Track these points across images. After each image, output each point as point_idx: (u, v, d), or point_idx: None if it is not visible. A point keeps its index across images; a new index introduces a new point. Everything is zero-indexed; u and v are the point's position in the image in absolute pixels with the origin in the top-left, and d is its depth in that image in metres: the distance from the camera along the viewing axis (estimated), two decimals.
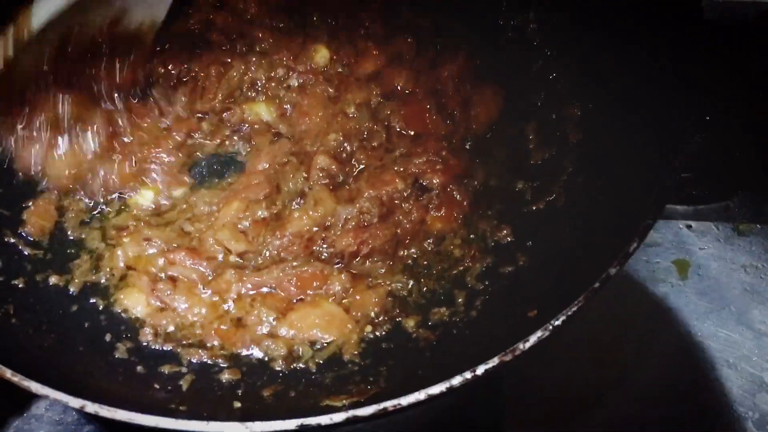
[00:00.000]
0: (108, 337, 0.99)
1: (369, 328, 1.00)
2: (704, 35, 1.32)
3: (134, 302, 1.02)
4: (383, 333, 1.00)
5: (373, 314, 1.00)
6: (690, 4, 0.95)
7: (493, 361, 0.76)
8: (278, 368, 0.97)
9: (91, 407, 0.74)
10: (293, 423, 0.74)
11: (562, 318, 0.78)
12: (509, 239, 1.07)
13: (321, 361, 0.97)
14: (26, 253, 1.05)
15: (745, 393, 1.20)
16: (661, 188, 0.88)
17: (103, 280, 1.04)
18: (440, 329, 0.99)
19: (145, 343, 0.99)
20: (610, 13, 1.09)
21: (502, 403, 1.17)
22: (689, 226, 1.33)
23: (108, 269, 1.05)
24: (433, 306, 1.01)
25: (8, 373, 0.75)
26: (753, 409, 1.19)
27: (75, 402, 0.74)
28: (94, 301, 1.03)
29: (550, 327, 0.78)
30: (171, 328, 1.00)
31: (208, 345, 0.98)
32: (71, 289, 1.03)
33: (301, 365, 0.97)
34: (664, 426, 1.18)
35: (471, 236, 1.07)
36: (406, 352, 0.97)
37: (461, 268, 1.05)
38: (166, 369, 0.94)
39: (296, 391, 0.92)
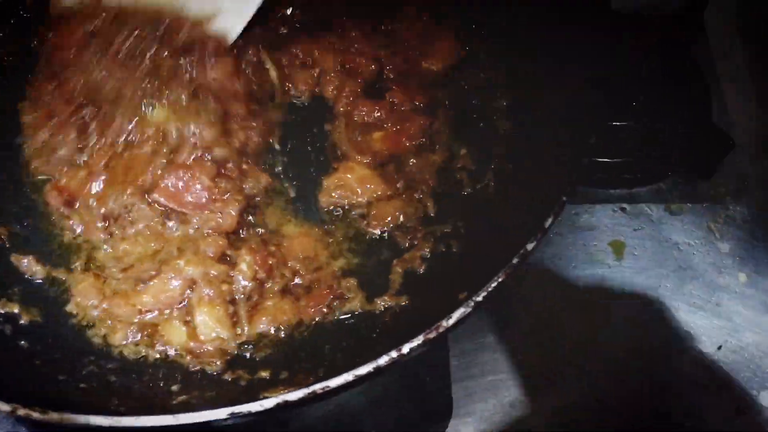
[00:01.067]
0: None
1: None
2: (624, 23, 1.38)
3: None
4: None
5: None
6: None
7: (418, 339, 0.79)
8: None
9: (22, 411, 0.74)
10: (224, 412, 0.75)
11: (483, 294, 0.81)
12: (446, 230, 1.09)
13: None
14: None
15: (684, 364, 1.24)
16: (574, 168, 0.91)
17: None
18: (378, 317, 1.01)
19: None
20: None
21: (449, 390, 1.20)
22: (623, 209, 1.37)
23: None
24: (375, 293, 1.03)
25: None
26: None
27: (4, 407, 0.74)
28: None
29: (472, 303, 0.80)
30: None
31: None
32: None
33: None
34: (618, 399, 1.22)
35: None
36: (344, 341, 0.99)
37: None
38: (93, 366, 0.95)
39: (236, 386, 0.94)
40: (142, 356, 0.98)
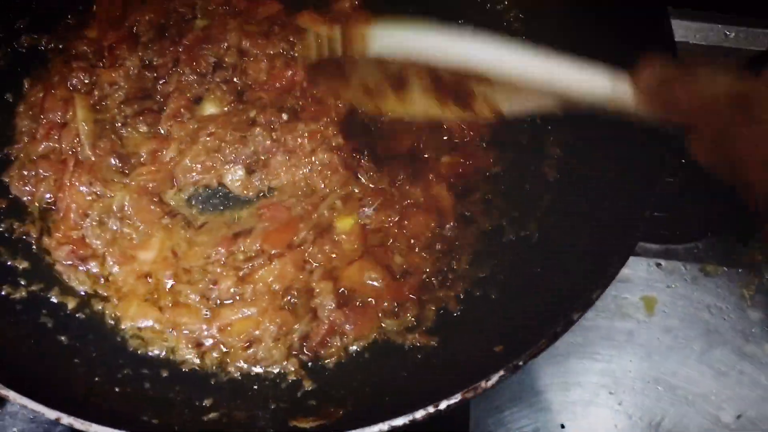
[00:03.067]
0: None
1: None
2: None
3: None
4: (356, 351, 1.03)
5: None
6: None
7: (456, 398, 0.80)
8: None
9: (66, 420, 0.76)
10: None
11: (524, 358, 0.82)
12: (483, 275, 1.10)
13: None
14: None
15: (702, 430, 1.25)
16: (630, 236, 0.92)
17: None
18: (408, 354, 1.02)
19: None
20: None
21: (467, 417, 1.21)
22: (659, 264, 1.37)
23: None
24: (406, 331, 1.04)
25: None
26: None
27: (51, 414, 0.76)
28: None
29: (512, 366, 0.81)
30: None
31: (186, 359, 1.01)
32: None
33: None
34: None
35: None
36: (375, 374, 1.00)
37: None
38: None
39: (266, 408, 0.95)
40: (180, 364, 1.00)
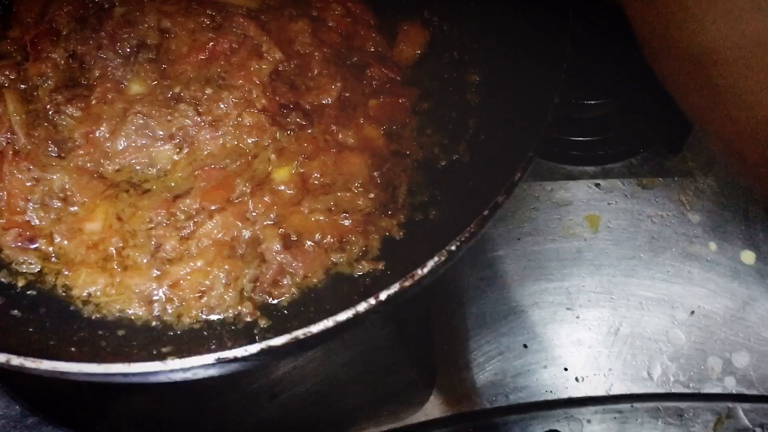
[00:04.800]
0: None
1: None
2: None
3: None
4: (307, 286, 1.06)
5: None
6: None
7: (395, 287, 0.83)
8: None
9: (16, 360, 0.78)
10: (210, 357, 0.79)
11: (456, 244, 0.85)
12: (424, 199, 1.13)
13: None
14: None
15: (659, 331, 1.29)
16: (542, 127, 0.96)
17: None
18: (359, 280, 1.04)
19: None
20: None
21: (432, 361, 1.24)
22: (598, 185, 1.42)
23: None
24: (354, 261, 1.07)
25: None
26: (667, 344, 1.27)
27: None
28: None
29: (445, 252, 0.84)
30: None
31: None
32: None
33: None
34: (587, 367, 1.26)
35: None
36: (327, 303, 1.02)
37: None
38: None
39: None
40: (135, 322, 1.02)
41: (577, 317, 1.29)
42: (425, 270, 0.83)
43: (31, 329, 0.99)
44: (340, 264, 1.08)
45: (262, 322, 1.02)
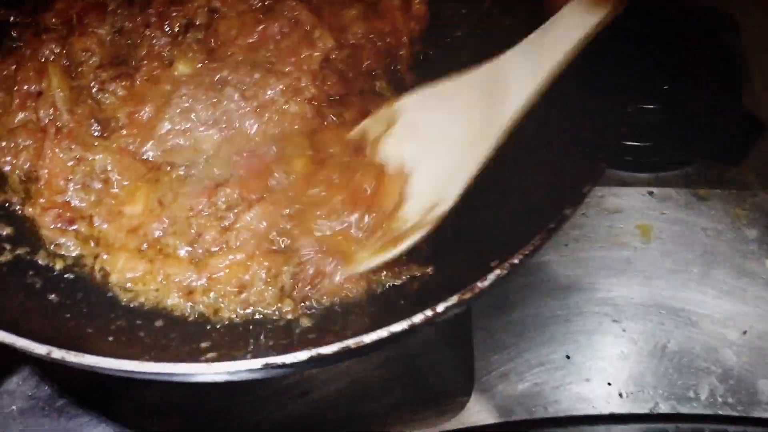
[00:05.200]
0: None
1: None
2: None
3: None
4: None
5: None
6: None
7: (453, 299, 0.79)
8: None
9: (58, 353, 0.75)
10: (258, 362, 0.75)
11: (519, 257, 0.81)
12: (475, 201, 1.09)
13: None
14: None
15: (709, 349, 1.24)
16: (615, 136, 0.91)
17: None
18: (405, 285, 1.00)
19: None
20: None
21: (472, 367, 1.20)
22: (651, 193, 1.36)
23: None
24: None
25: None
26: (716, 365, 1.22)
27: (41, 349, 0.75)
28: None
29: (507, 266, 0.80)
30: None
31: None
32: None
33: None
34: (630, 383, 1.21)
35: None
36: (372, 306, 0.99)
37: None
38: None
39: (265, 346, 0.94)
40: (174, 312, 0.99)
41: (624, 330, 1.25)
42: (486, 283, 0.79)
43: (68, 315, 0.96)
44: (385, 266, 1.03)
45: (305, 322, 0.99)
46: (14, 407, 1.16)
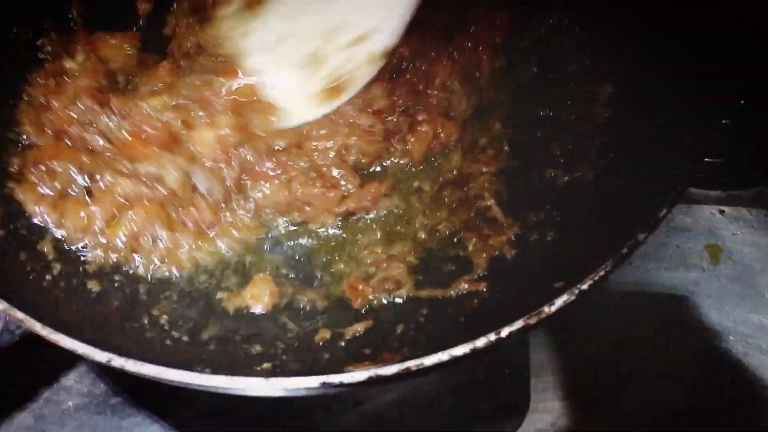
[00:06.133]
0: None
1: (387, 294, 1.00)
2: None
3: None
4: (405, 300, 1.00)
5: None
6: None
7: (518, 324, 0.76)
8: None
9: (117, 361, 0.74)
10: (316, 380, 0.74)
11: (589, 282, 0.77)
12: (539, 218, 1.05)
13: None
14: None
15: None
16: (692, 161, 0.87)
17: None
18: (465, 299, 0.98)
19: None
20: None
21: (528, 384, 1.17)
22: (722, 212, 1.31)
23: None
24: (459, 275, 1.00)
25: (37, 327, 0.76)
26: None
27: (101, 356, 0.74)
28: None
29: (576, 291, 0.77)
30: None
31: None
32: None
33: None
34: (695, 412, 1.16)
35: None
36: (428, 323, 0.96)
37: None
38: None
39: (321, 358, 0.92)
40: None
41: None
42: (552, 309, 0.76)
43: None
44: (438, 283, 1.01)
45: (357, 329, 0.97)
46: (70, 403, 1.18)
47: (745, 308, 1.22)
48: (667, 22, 1.03)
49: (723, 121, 1.26)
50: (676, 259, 1.26)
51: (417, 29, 1.09)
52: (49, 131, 1.05)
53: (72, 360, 1.18)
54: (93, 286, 0.99)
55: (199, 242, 1.03)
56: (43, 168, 1.01)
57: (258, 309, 1.00)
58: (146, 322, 0.96)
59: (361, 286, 1.02)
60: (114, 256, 1.01)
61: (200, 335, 0.95)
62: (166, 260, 1.02)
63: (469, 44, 1.16)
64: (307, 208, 1.06)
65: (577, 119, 1.12)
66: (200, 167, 1.03)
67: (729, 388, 1.17)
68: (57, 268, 0.98)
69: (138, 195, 1.01)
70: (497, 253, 1.03)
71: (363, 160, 1.11)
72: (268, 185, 1.06)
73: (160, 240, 1.01)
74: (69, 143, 1.05)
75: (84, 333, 0.81)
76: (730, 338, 1.20)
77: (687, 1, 1.02)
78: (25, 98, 1.08)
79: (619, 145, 1.06)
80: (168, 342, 0.93)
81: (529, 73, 1.17)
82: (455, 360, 0.75)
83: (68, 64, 1.09)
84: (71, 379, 1.19)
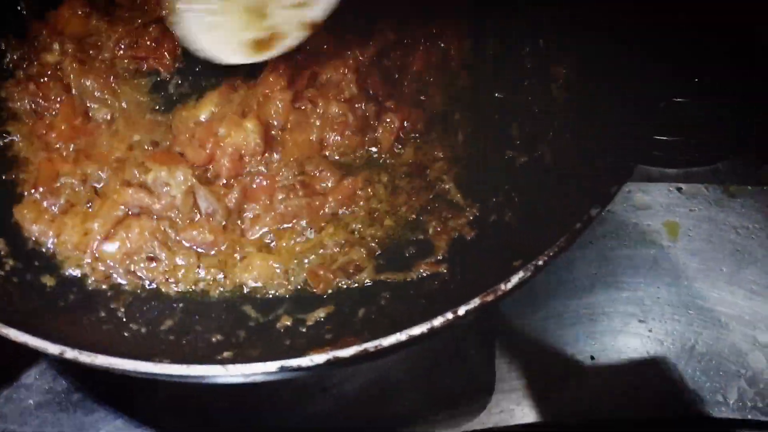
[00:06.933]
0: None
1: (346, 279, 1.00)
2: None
3: None
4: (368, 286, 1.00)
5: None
6: None
7: (475, 302, 0.76)
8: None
9: (71, 353, 0.73)
10: (274, 365, 0.73)
11: (544, 258, 0.78)
12: (499, 199, 1.06)
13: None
14: None
15: (738, 352, 1.20)
16: (641, 137, 0.88)
17: None
18: (426, 281, 0.98)
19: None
20: None
21: (493, 364, 1.18)
22: (679, 189, 1.32)
23: None
24: (419, 257, 1.00)
25: None
26: (746, 367, 1.18)
27: (54, 348, 0.73)
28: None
29: (532, 267, 0.77)
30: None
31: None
32: None
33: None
34: (659, 385, 1.18)
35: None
36: (390, 306, 0.96)
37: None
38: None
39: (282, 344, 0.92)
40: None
41: (650, 331, 1.21)
42: (508, 286, 0.76)
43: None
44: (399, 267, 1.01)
45: (319, 313, 0.97)
46: (31, 401, 1.16)
47: (704, 283, 1.24)
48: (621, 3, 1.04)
49: (676, 99, 1.29)
50: (635, 237, 1.28)
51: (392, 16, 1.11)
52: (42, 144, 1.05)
53: (32, 357, 1.16)
54: (48, 280, 0.97)
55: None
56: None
57: (219, 298, 1.00)
58: (103, 314, 0.94)
59: (322, 272, 1.02)
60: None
61: (159, 326, 0.94)
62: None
63: (435, 31, 1.16)
64: (301, 222, 1.05)
65: (534, 100, 1.12)
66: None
67: (690, 361, 1.19)
68: (9, 263, 0.96)
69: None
70: (457, 235, 1.03)
71: (339, 155, 1.11)
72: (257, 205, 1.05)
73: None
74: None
75: (38, 327, 0.79)
76: (690, 313, 1.22)
77: None
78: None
79: (574, 126, 1.07)
80: (126, 334, 0.92)
81: (486, 56, 1.17)
82: (413, 340, 0.75)
83: (50, 57, 1.09)
84: (31, 377, 1.17)
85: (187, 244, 1.01)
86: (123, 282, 0.99)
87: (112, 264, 0.99)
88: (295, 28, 1.00)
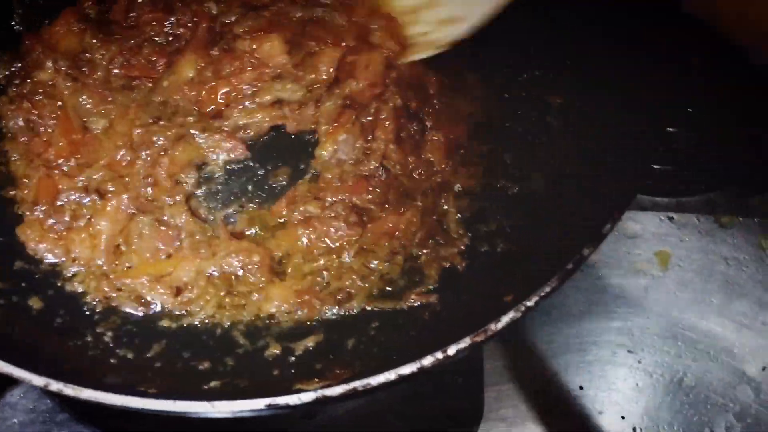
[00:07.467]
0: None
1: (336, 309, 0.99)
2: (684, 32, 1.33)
3: None
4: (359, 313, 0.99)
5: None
6: None
7: (465, 341, 0.76)
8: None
9: (55, 385, 0.72)
10: (261, 402, 0.73)
11: (535, 299, 0.78)
12: (491, 228, 1.05)
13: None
14: None
15: (726, 385, 1.20)
16: (637, 173, 0.88)
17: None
18: (416, 311, 0.98)
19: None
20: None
21: (481, 392, 1.17)
22: (671, 218, 1.33)
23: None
24: (410, 287, 1.00)
25: None
26: (734, 401, 1.18)
27: (38, 380, 0.72)
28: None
29: (523, 308, 0.77)
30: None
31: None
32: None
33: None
34: (645, 417, 1.18)
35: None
36: (380, 335, 0.96)
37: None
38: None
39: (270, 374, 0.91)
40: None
41: (639, 362, 1.21)
42: (499, 326, 0.76)
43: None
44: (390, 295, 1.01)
45: (308, 342, 0.96)
46: (15, 420, 1.14)
47: (693, 314, 1.24)
48: (615, 33, 1.04)
49: (669, 129, 1.29)
50: (626, 266, 1.28)
51: None
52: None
53: None
54: (34, 302, 0.96)
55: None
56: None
57: (207, 324, 0.99)
58: (90, 339, 0.93)
59: (310, 297, 1.01)
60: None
61: (146, 353, 0.93)
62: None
63: None
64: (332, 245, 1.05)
65: (528, 129, 1.12)
66: None
67: (678, 393, 1.19)
68: None
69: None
70: (448, 264, 1.03)
71: None
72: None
73: None
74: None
75: (22, 353, 0.78)
76: (679, 344, 1.22)
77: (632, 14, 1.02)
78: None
79: (568, 155, 1.07)
80: (113, 360, 0.91)
81: (480, 84, 1.16)
82: (402, 379, 0.75)
83: (43, 75, 1.08)
84: (16, 396, 1.15)
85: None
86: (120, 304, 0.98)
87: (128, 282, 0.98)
88: (432, 45, 1.04)
